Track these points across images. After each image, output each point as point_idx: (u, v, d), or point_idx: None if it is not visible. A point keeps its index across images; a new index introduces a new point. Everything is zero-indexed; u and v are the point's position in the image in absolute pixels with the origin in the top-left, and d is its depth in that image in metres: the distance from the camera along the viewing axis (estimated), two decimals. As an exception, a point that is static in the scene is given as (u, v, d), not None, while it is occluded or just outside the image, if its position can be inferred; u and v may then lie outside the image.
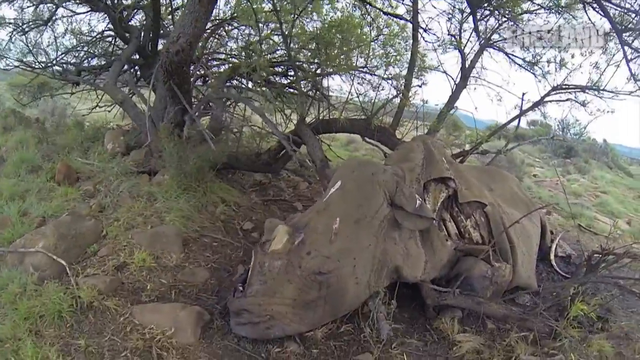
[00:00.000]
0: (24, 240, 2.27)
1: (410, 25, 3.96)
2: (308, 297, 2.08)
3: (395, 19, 3.97)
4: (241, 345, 2.03)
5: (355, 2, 3.84)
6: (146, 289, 2.29)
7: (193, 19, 2.64)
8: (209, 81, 4.50)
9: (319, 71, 4.16)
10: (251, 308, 2.02)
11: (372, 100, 3.77)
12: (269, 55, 4.43)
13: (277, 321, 2.04)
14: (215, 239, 3.14)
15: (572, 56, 3.80)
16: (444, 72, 4.02)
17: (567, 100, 3.93)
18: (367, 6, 3.85)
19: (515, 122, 4.19)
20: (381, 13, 4.05)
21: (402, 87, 3.60)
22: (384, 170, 2.46)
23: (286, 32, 3.49)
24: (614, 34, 3.25)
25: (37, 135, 3.81)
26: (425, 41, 4.07)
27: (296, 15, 3.48)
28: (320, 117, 4.11)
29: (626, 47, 3.17)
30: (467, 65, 3.96)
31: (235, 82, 4.86)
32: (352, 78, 3.91)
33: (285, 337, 2.11)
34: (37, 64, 4.34)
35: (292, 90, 4.66)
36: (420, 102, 3.72)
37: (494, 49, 4.22)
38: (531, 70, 4.17)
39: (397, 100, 3.90)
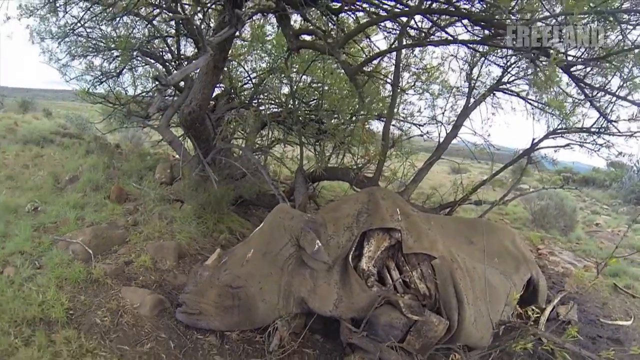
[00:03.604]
0: (71, 234, 4.35)
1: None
2: (225, 303, 3.57)
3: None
4: (177, 327, 3.60)
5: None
6: (137, 279, 4.08)
7: (202, 87, 4.58)
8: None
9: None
10: (188, 302, 3.64)
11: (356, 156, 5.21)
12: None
13: (204, 316, 3.57)
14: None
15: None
16: (440, 122, 5.15)
17: (566, 145, 4.54)
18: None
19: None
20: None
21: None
22: (292, 217, 3.83)
23: (294, 87, 5.29)
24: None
25: (107, 161, 6.40)
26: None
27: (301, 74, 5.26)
28: (321, 166, 5.69)
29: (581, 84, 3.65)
30: (466, 112, 4.99)
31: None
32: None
33: (210, 330, 3.64)
34: (117, 100, 7.08)
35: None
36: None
37: (504, 92, 5.09)
38: (551, 112, 4.88)
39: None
